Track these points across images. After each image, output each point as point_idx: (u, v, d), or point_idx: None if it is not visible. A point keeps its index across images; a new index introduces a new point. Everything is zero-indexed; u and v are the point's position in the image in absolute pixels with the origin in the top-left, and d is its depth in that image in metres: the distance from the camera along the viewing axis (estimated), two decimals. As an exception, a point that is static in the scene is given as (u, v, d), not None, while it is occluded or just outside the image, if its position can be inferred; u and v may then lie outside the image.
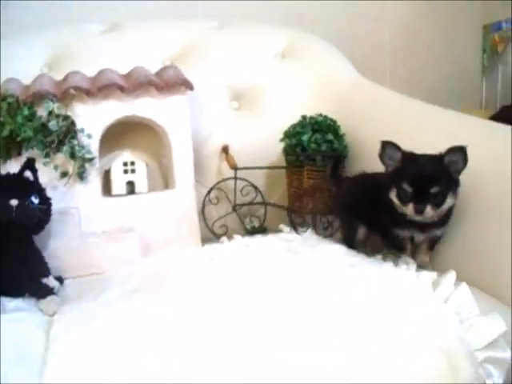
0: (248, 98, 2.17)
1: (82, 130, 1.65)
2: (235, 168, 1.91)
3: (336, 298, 1.25)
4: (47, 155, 1.60)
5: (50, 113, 1.61)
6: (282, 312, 1.19)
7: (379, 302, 1.23)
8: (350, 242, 1.67)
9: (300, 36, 2.37)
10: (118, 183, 1.74)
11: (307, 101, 2.12)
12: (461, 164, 1.39)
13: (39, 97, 1.63)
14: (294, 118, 1.93)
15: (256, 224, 1.96)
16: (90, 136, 1.65)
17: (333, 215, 1.84)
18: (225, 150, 1.98)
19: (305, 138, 1.82)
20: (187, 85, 1.77)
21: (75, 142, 1.63)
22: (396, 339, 1.13)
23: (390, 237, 1.56)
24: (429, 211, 1.39)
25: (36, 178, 1.51)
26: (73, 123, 1.64)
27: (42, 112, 1.62)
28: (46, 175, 1.59)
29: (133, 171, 1.75)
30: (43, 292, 1.41)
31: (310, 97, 2.14)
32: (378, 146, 1.46)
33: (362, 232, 1.66)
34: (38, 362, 1.09)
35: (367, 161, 1.69)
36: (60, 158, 1.63)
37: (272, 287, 1.31)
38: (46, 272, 1.50)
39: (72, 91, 1.66)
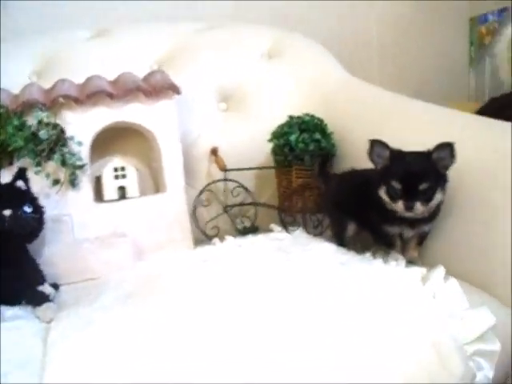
0: (236, 99, 2.17)
1: (72, 138, 1.65)
2: (225, 169, 1.92)
3: (327, 296, 1.26)
4: (38, 164, 1.60)
5: (40, 122, 1.62)
6: (275, 313, 1.20)
7: (369, 299, 1.25)
8: (340, 239, 1.69)
9: (286, 35, 2.38)
10: (110, 189, 1.75)
11: (295, 100, 2.13)
12: (449, 160, 1.40)
13: (28, 106, 1.64)
14: (283, 118, 1.94)
15: (247, 224, 1.97)
16: (80, 143, 1.66)
17: (322, 213, 1.85)
18: (214, 151, 1.99)
19: (292, 137, 1.83)
20: (174, 89, 1.77)
21: (66, 149, 1.63)
22: (386, 335, 1.14)
23: (379, 233, 1.58)
24: (418, 207, 1.40)
25: (28, 187, 1.52)
26: (63, 131, 1.65)
27: (31, 121, 1.63)
28: (38, 183, 1.60)
29: (124, 176, 1.75)
30: (39, 299, 1.42)
31: (298, 96, 2.15)
32: (367, 145, 1.48)
33: (351, 229, 1.67)
34: (36, 369, 1.10)
35: (356, 159, 1.69)
36: (51, 166, 1.63)
37: (265, 289, 1.32)
38: (42, 279, 1.50)
39: (61, 99, 1.66)
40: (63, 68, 2.02)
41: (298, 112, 1.95)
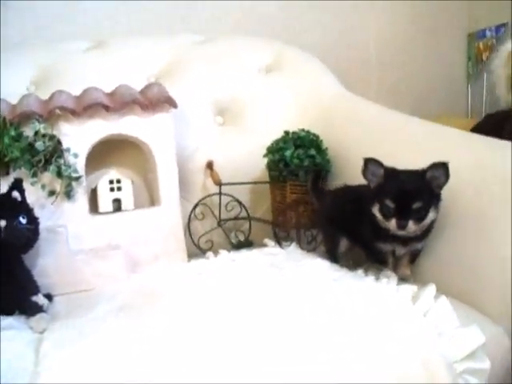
0: (232, 113, 2.17)
1: (69, 150, 1.65)
2: (219, 184, 1.91)
3: (318, 313, 1.26)
4: (34, 175, 1.61)
5: (37, 133, 1.62)
6: (266, 329, 1.20)
7: (360, 317, 1.25)
8: (333, 255, 1.69)
9: (285, 50, 2.39)
10: (105, 201, 1.75)
11: (291, 115, 2.14)
12: (442, 179, 1.41)
13: (25, 117, 1.64)
14: (279, 133, 1.95)
15: (241, 238, 1.97)
16: (76, 155, 1.66)
17: (316, 229, 1.85)
18: (209, 165, 2.00)
19: (287, 153, 1.83)
20: (171, 103, 1.77)
21: (62, 161, 1.63)
22: (375, 352, 1.15)
23: (371, 250, 1.58)
24: (411, 226, 1.41)
25: (24, 198, 1.52)
26: (59, 142, 1.65)
27: (28, 132, 1.63)
28: (33, 194, 1.60)
29: (119, 189, 1.75)
30: (33, 310, 1.41)
31: (295, 111, 2.16)
32: (361, 162, 1.48)
33: (344, 245, 1.67)
34: (27, 380, 1.10)
35: (351, 175, 1.69)
36: (47, 177, 1.63)
37: (256, 304, 1.32)
38: (36, 290, 1.50)
39: (57, 111, 1.67)
40: (61, 79, 2.02)
41: (294, 127, 1.95)
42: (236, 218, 1.97)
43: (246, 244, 1.95)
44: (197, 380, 1.07)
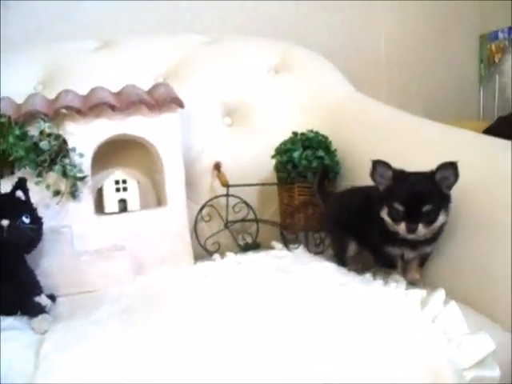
0: (241, 114, 2.16)
1: (74, 149, 1.65)
2: (227, 185, 1.91)
3: (324, 318, 1.24)
4: (39, 174, 1.59)
5: (42, 132, 1.61)
6: (272, 334, 1.18)
7: (367, 322, 1.22)
8: (341, 259, 1.67)
9: (294, 50, 2.38)
10: (111, 201, 1.74)
11: (300, 116, 2.12)
12: (452, 180, 1.38)
13: (31, 116, 1.63)
14: (287, 134, 1.93)
15: (248, 240, 1.96)
16: (81, 155, 1.65)
17: (323, 232, 1.84)
18: (217, 166, 1.99)
19: (295, 154, 1.82)
20: (178, 103, 1.76)
21: (67, 160, 1.62)
22: (382, 358, 1.13)
23: (380, 254, 1.56)
24: (421, 230, 1.38)
25: (27, 197, 1.51)
26: (65, 142, 1.64)
27: (33, 131, 1.62)
28: (38, 194, 1.59)
29: (125, 189, 1.74)
30: (35, 310, 1.40)
31: (303, 112, 2.14)
32: (370, 163, 1.46)
33: (352, 248, 1.65)
34: (27, 381, 1.09)
35: (360, 177, 1.65)
36: (52, 176, 1.62)
37: (262, 309, 1.30)
38: (39, 290, 1.49)
39: (63, 110, 1.66)
40: (69, 79, 2.02)
41: (302, 128, 1.93)
42: (243, 220, 1.96)
43: (254, 246, 1.94)
44: (200, 384, 1.05)
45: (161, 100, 1.74)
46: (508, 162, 1.40)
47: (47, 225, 1.55)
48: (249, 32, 2.58)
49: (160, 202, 1.87)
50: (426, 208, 1.37)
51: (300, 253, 1.80)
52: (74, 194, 1.65)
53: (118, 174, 1.76)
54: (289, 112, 2.16)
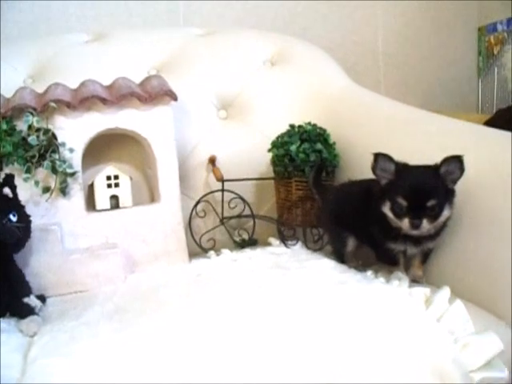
0: (236, 107, 2.13)
1: (64, 144, 1.61)
2: (222, 180, 1.87)
3: (323, 318, 1.21)
4: (28, 170, 1.56)
5: (30, 127, 1.58)
6: (269, 335, 1.15)
7: (369, 322, 1.19)
8: (340, 256, 1.64)
9: (290, 42, 2.36)
10: (102, 198, 1.71)
11: (297, 109, 2.09)
12: (457, 174, 1.35)
13: (18, 110, 1.60)
14: (284, 127, 1.90)
15: (245, 237, 1.93)
16: (71, 150, 1.62)
17: (321, 227, 1.80)
18: (212, 161, 1.95)
19: (293, 148, 1.78)
20: (171, 95, 1.72)
21: (56, 156, 1.59)
22: (386, 360, 1.09)
23: (381, 250, 1.52)
24: (425, 225, 1.35)
25: (15, 194, 1.47)
26: (54, 137, 1.61)
27: (22, 126, 1.59)
28: (27, 191, 1.57)
29: (117, 185, 1.72)
30: (24, 312, 1.37)
31: (301, 105, 2.11)
32: (370, 156, 1.42)
33: (351, 244, 1.62)
34: (14, 384, 1.06)
35: (359, 170, 1.62)
36: (41, 172, 1.59)
37: (260, 308, 1.28)
38: (27, 291, 1.45)
39: (52, 104, 1.61)
40: (60, 72, 1.98)
41: (300, 121, 1.90)
42: (239, 216, 1.93)
43: (250, 243, 1.91)
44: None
45: (153, 93, 1.70)
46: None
47: (36, 223, 1.52)
48: (246, 26, 2.57)
49: (153, 197, 1.85)
50: (431, 203, 1.34)
51: (298, 249, 1.78)
52: (64, 190, 1.62)
53: (110, 169, 1.73)
54: (285, 104, 2.12)
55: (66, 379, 1.06)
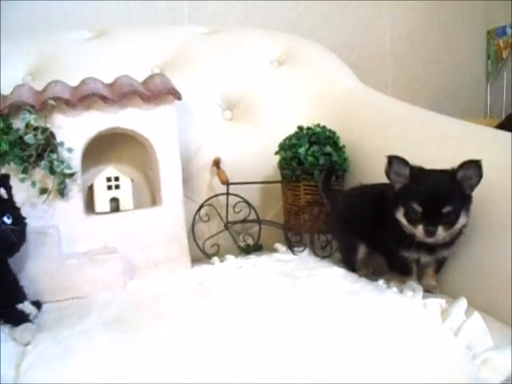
0: (242, 108, 2.10)
1: (62, 144, 1.58)
2: (227, 183, 1.84)
3: (335, 331, 1.17)
4: (25, 170, 1.54)
5: (27, 125, 1.55)
6: (276, 348, 1.11)
7: (382, 336, 1.15)
8: (350, 264, 1.59)
9: (298, 42, 2.33)
10: (102, 200, 1.67)
11: (305, 110, 2.06)
12: (475, 180, 1.30)
13: (16, 108, 1.56)
14: (292, 129, 1.86)
15: (250, 242, 1.90)
16: (70, 150, 1.58)
17: (330, 234, 1.77)
18: (216, 163, 1.92)
19: (301, 150, 1.74)
20: (175, 94, 1.69)
21: (55, 156, 1.56)
22: (401, 378, 1.03)
23: (394, 258, 1.47)
24: (440, 233, 1.31)
25: (10, 195, 1.44)
26: (52, 136, 1.57)
27: (19, 124, 1.56)
28: (23, 192, 1.54)
29: (117, 187, 1.68)
30: (18, 319, 1.32)
31: (309, 106, 2.08)
32: (381, 159, 1.38)
33: (362, 252, 1.58)
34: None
35: (370, 175, 1.62)
36: (38, 173, 1.56)
37: (266, 318, 1.24)
38: (22, 297, 1.41)
39: (51, 102, 1.58)
40: (60, 70, 1.95)
41: (308, 122, 1.86)
42: (244, 221, 1.90)
43: (255, 248, 1.88)
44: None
45: (156, 91, 1.67)
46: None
47: (33, 225, 1.49)
48: (251, 25, 2.58)
49: (155, 201, 1.81)
50: (447, 209, 1.29)
51: (305, 256, 1.75)
52: (62, 192, 1.58)
53: (110, 170, 1.70)
54: (293, 105, 2.09)
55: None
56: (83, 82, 1.69)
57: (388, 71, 3.16)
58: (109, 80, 1.74)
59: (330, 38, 2.77)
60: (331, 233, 1.75)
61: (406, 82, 3.18)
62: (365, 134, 1.89)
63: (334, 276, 1.52)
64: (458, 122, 1.72)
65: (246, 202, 1.88)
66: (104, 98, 1.61)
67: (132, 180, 1.72)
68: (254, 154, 1.99)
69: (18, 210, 1.44)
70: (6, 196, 1.42)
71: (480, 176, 1.29)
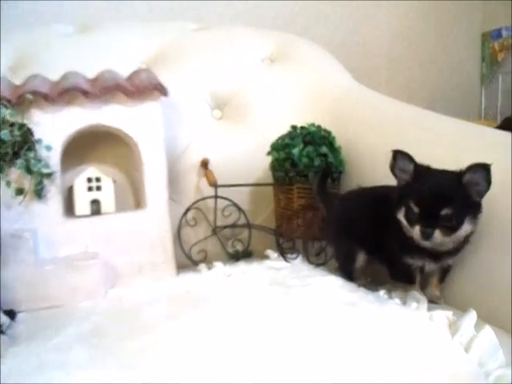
0: (232, 107, 2.06)
1: (40, 141, 1.52)
2: (215, 185, 1.80)
3: (333, 347, 1.10)
4: (0, 169, 1.47)
5: (3, 120, 1.48)
6: (269, 364, 1.04)
7: (384, 351, 1.08)
8: (348, 273, 1.54)
9: (290, 39, 2.30)
10: (82, 202, 1.63)
11: (298, 109, 2.03)
12: (483, 185, 1.24)
13: (-9, 103, 1.52)
14: (285, 128, 1.82)
15: (239, 248, 1.86)
16: (49, 148, 1.53)
17: (326, 240, 1.73)
18: (204, 164, 1.87)
19: (295, 151, 1.70)
20: (161, 90, 1.65)
21: (32, 154, 1.51)
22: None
23: (396, 266, 1.43)
24: (437, 236, 1.25)
25: (-18, 197, 1.39)
26: (30, 133, 1.52)
27: (-6, 120, 1.51)
28: None
29: (98, 188, 1.64)
30: (-11, 330, 1.27)
31: (302, 105, 2.05)
32: (377, 160, 1.39)
33: (361, 259, 1.53)
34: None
35: (366, 176, 1.62)
36: (14, 172, 1.50)
37: (257, 333, 1.18)
38: (-6, 306, 1.36)
39: (29, 96, 1.53)
40: (42, 65, 1.90)
41: (302, 121, 1.82)
42: (234, 225, 1.86)
43: (245, 255, 1.84)
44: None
45: (141, 87, 1.63)
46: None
47: (8, 229, 1.46)
48: (244, 22, 2.62)
49: (139, 203, 1.76)
50: (445, 212, 1.23)
51: (299, 264, 1.70)
52: (39, 193, 1.53)
53: (91, 170, 1.65)
54: (286, 104, 2.06)
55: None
56: (64, 76, 1.66)
57: (384, 72, 3.21)
58: (91, 75, 1.70)
59: (326, 36, 2.79)
60: (327, 239, 1.71)
61: (402, 84, 3.21)
62: (359, 133, 1.86)
63: (330, 285, 1.47)
64: (453, 120, 1.69)
65: (236, 205, 1.85)
66: (85, 93, 1.58)
67: (114, 181, 1.67)
68: (244, 154, 1.95)
69: (-10, 212, 1.39)
70: (-23, 197, 1.37)
71: (489, 182, 1.23)
